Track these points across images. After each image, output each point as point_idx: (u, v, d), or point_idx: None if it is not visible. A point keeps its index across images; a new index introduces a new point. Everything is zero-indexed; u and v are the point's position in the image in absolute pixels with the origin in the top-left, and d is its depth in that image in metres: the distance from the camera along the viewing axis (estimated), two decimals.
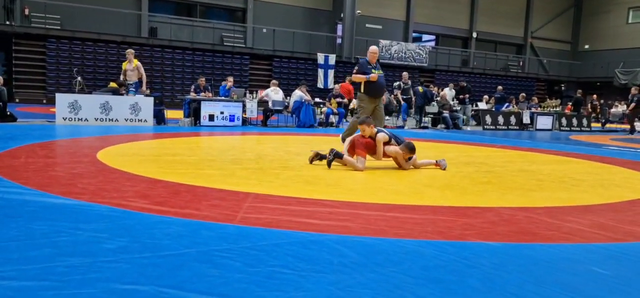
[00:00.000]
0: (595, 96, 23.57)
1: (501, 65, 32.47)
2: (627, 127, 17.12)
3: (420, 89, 15.36)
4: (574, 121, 17.73)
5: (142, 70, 11.71)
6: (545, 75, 33.98)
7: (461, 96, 16.60)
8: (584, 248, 2.78)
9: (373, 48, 7.79)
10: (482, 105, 17.77)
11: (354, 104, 18.78)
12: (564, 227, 3.21)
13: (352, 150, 5.60)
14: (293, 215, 3.23)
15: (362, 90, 7.50)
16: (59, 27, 20.99)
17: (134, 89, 11.38)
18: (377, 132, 5.65)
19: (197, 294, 1.90)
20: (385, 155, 5.59)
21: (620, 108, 22.95)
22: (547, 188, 4.78)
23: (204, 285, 2.00)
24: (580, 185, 5.06)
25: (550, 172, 5.95)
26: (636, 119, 17.11)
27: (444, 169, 5.71)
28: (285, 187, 4.25)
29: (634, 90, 16.76)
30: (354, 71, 7.71)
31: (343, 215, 3.30)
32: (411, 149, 5.58)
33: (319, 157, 5.64)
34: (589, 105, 24.26)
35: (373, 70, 7.48)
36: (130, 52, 11.76)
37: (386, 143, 5.60)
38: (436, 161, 5.89)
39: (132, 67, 11.61)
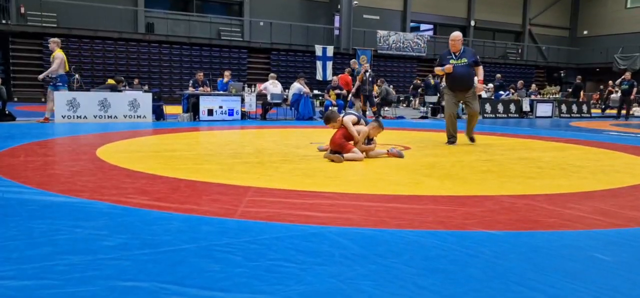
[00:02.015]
0: (610, 82, 23.44)
1: (500, 53, 32.42)
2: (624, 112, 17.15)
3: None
4: (574, 107, 17.71)
5: (57, 60, 10.06)
6: (544, 62, 33.92)
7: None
8: (586, 235, 2.77)
9: (453, 34, 7.21)
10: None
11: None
12: (565, 214, 3.20)
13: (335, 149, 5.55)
14: (293, 208, 3.22)
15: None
16: (55, 25, 20.92)
17: (61, 83, 10.12)
18: (343, 116, 5.75)
19: (197, 289, 1.89)
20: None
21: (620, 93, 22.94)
22: (548, 175, 4.77)
23: (204, 280, 1.99)
24: (580, 171, 5.05)
25: (550, 159, 5.94)
26: (624, 105, 17.14)
27: (401, 157, 5.68)
28: (285, 180, 4.24)
29: (627, 75, 16.78)
30: (436, 63, 7.38)
31: (343, 207, 3.29)
32: (381, 125, 5.85)
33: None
34: (599, 93, 24.22)
35: (451, 60, 7.03)
36: (53, 41, 10.37)
37: (355, 123, 5.71)
38: (387, 150, 5.86)
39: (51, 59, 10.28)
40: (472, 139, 7.51)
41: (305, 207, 3.27)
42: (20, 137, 7.06)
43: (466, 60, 7.04)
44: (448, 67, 7.01)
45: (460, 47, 7.15)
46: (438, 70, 7.25)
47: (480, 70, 7.17)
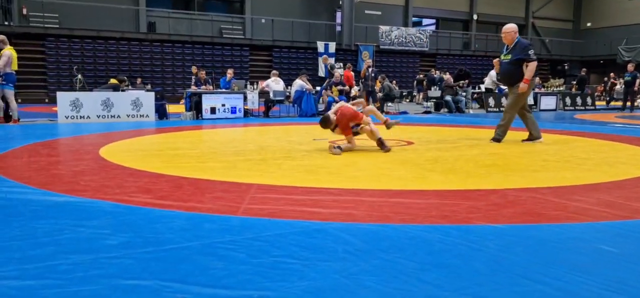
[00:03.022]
0: (612, 74, 23.30)
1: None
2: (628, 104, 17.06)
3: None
4: (578, 100, 17.62)
5: (4, 58, 9.50)
6: (548, 55, 33.76)
7: (461, 81, 16.49)
8: (591, 227, 2.75)
9: (505, 27, 6.74)
10: (487, 79, 17.35)
11: (354, 91, 18.69)
12: (570, 207, 3.18)
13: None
14: (296, 205, 3.21)
15: None
16: (57, 26, 20.96)
17: (6, 83, 9.58)
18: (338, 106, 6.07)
19: (201, 287, 1.88)
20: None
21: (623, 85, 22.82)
22: (552, 168, 4.74)
23: (207, 277, 1.98)
24: (585, 163, 5.02)
25: (555, 152, 5.90)
26: (629, 97, 17.04)
27: (399, 124, 6.20)
28: (288, 177, 4.23)
29: (630, 67, 16.68)
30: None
31: (346, 202, 3.27)
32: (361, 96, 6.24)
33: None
34: (603, 85, 24.07)
35: (501, 55, 6.74)
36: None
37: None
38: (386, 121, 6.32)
39: None
40: (493, 138, 6.86)
41: (308, 203, 3.26)
42: (23, 138, 7.07)
43: (511, 57, 6.61)
44: (495, 62, 6.92)
45: (513, 40, 6.63)
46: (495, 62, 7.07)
47: (530, 66, 6.44)
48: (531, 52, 6.50)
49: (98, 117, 10.44)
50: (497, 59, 6.95)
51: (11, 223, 2.73)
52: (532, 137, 6.78)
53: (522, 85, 6.44)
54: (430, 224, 2.76)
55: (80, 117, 10.30)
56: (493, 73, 16.79)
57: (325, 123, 5.85)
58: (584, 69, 20.59)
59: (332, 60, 14.96)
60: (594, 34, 34.13)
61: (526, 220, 2.88)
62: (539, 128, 6.85)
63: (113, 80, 11.89)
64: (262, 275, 2.01)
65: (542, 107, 16.53)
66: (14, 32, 20.08)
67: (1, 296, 1.80)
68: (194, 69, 13.92)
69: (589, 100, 17.89)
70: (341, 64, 20.03)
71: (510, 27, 6.70)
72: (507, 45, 6.67)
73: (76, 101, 10.32)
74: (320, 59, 14.31)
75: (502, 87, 17.46)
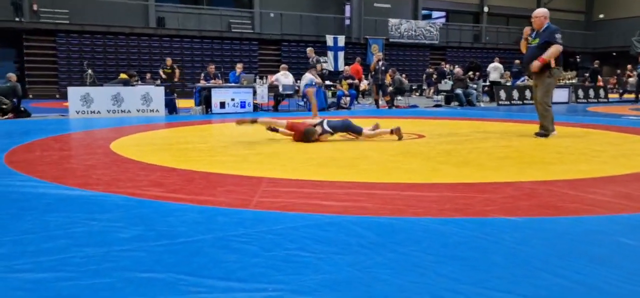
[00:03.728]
0: (629, 67, 22.91)
1: (514, 39, 31.93)
2: None
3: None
4: (591, 92, 17.41)
5: None
6: None
7: (471, 74, 16.36)
8: (609, 220, 2.69)
9: (536, 11, 6.46)
10: (493, 71, 17.21)
11: (364, 85, 18.61)
12: (587, 199, 3.12)
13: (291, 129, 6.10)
14: (308, 198, 3.19)
15: None
16: (67, 21, 21.06)
17: None
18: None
19: (214, 280, 1.86)
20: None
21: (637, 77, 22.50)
22: (568, 160, 4.68)
23: (221, 271, 1.96)
24: (601, 156, 4.94)
25: (569, 144, 5.83)
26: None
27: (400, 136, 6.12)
28: (299, 170, 4.21)
29: None
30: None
31: (359, 195, 3.24)
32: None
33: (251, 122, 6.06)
34: (616, 77, 23.74)
35: (530, 39, 6.45)
36: None
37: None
38: (391, 130, 6.23)
39: None
40: (537, 133, 6.57)
41: (320, 196, 3.23)
42: (36, 133, 7.11)
43: (538, 41, 6.30)
44: (522, 43, 6.54)
45: (543, 25, 6.33)
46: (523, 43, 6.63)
47: (552, 48, 6.16)
48: (558, 36, 6.23)
49: (108, 111, 10.48)
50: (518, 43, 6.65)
51: (25, 217, 2.74)
52: (546, 131, 6.54)
53: (535, 62, 6.21)
54: (445, 217, 2.73)
55: (91, 112, 10.35)
56: (499, 65, 16.61)
57: (308, 139, 5.93)
58: (597, 61, 20.30)
59: (373, 55, 14.74)
60: (607, 26, 33.66)
61: (543, 212, 2.83)
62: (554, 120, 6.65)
63: (123, 75, 11.93)
64: (276, 269, 1.99)
65: (554, 100, 16.33)
66: (25, 28, 20.22)
67: (16, 289, 1.80)
68: (211, 69, 13.92)
69: (601, 92, 17.65)
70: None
71: (541, 11, 6.45)
72: (536, 31, 6.42)
73: (87, 96, 10.36)
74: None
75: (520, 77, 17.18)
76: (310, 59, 13.58)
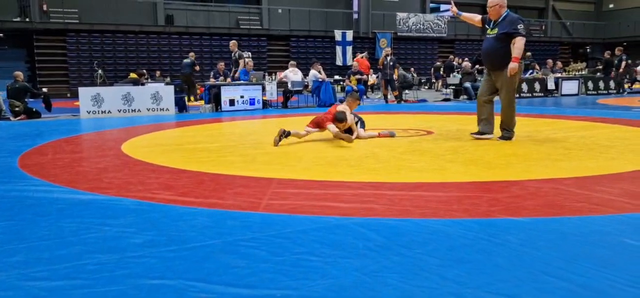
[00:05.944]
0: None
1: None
2: None
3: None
4: (601, 84, 17.25)
5: None
6: (569, 38, 33.03)
7: (479, 67, 16.26)
8: (616, 220, 2.70)
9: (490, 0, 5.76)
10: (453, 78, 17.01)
11: (372, 79, 18.57)
12: (594, 198, 3.13)
13: (317, 126, 6.05)
14: (317, 200, 3.23)
15: None
16: (77, 21, 21.22)
17: None
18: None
19: (224, 286, 1.91)
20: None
21: None
22: (575, 157, 4.67)
23: (230, 276, 2.01)
24: (608, 151, 4.93)
25: (577, 139, 5.81)
26: None
27: (393, 137, 6.16)
28: (308, 170, 4.25)
29: None
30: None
31: (367, 196, 3.28)
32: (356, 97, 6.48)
33: (285, 134, 5.80)
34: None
35: (487, 30, 5.88)
36: None
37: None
38: (379, 133, 6.30)
39: None
40: (501, 135, 5.88)
41: (328, 197, 3.27)
42: (48, 135, 7.22)
43: (496, 31, 5.72)
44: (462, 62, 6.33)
45: (500, 14, 5.73)
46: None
47: (517, 43, 5.56)
48: (521, 26, 5.59)
49: (119, 111, 10.60)
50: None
51: (39, 223, 2.80)
52: (482, 132, 5.98)
53: (513, 64, 5.54)
54: (451, 218, 2.75)
55: (102, 111, 10.47)
56: (465, 63, 16.26)
57: (341, 121, 5.90)
58: (608, 52, 20.02)
59: (382, 49, 14.52)
60: (617, 16, 33.22)
61: (548, 212, 2.85)
62: (493, 124, 6.02)
63: (133, 75, 12.04)
64: (284, 274, 2.03)
65: (563, 92, 16.24)
66: (35, 29, 20.41)
67: (32, 297, 1.86)
68: (221, 66, 14.04)
69: (611, 84, 17.47)
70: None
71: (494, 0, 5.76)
72: (493, 21, 5.80)
73: (97, 96, 10.48)
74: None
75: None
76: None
